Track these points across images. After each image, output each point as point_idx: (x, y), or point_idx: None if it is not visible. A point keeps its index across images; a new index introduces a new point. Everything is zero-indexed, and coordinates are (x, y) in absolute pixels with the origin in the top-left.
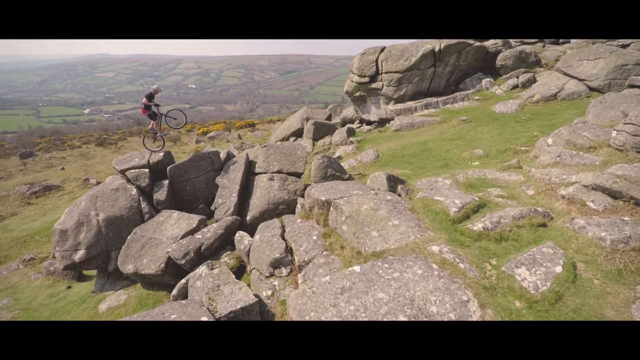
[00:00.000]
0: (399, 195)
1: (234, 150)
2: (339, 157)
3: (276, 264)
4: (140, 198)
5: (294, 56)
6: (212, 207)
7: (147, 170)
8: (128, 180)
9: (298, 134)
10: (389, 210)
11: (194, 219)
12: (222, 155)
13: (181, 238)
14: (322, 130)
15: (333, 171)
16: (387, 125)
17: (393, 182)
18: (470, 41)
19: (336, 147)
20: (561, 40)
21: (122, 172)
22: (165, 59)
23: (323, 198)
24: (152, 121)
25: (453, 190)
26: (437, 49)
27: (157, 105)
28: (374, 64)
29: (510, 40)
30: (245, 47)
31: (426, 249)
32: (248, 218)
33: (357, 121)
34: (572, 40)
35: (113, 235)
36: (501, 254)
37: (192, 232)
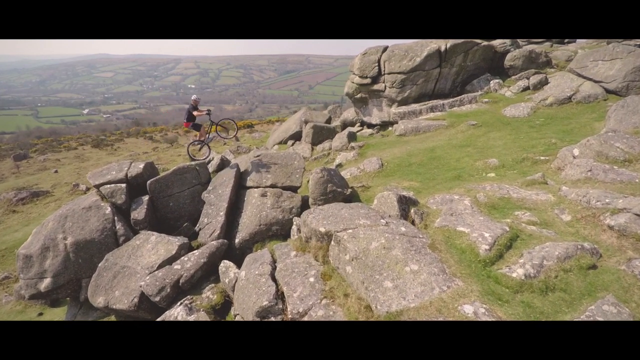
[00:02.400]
0: (413, 221)
1: (229, 155)
2: (340, 165)
3: (264, 314)
4: (115, 218)
5: (293, 56)
6: (197, 228)
7: (124, 185)
8: (103, 197)
9: (296, 137)
10: (405, 250)
11: (173, 244)
12: (216, 161)
13: (158, 268)
14: (322, 134)
15: (334, 186)
16: (390, 128)
17: (404, 205)
18: (478, 40)
19: (336, 153)
20: (566, 40)
21: (97, 187)
22: (164, 59)
23: (322, 229)
24: (196, 132)
25: (477, 216)
26: (442, 48)
27: (209, 113)
28: (376, 64)
29: (518, 40)
30: (244, 47)
31: (457, 310)
32: (237, 240)
33: (358, 124)
34: (578, 40)
35: (83, 261)
36: (550, 314)
37: (170, 260)
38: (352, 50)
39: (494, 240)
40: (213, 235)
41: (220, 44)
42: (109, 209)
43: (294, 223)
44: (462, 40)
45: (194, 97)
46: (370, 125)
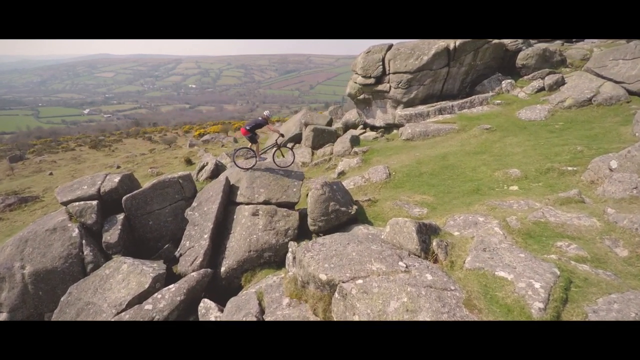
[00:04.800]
0: (436, 258)
1: (224, 159)
2: (342, 173)
3: None
4: (83, 241)
5: (293, 56)
6: (177, 253)
7: (95, 202)
8: (71, 216)
9: (296, 139)
10: (436, 313)
11: (147, 276)
12: (210, 166)
13: (126, 307)
14: (323, 137)
15: (336, 205)
16: (395, 131)
17: (425, 235)
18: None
19: (338, 159)
20: (573, 40)
21: (65, 204)
22: (165, 59)
23: (323, 277)
24: (252, 143)
25: (515, 252)
26: (451, 46)
27: (282, 135)
28: (380, 63)
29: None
30: (245, 46)
31: None
32: (223, 269)
33: (361, 126)
34: (586, 40)
35: (44, 294)
36: None
37: (142, 296)
38: (354, 49)
39: (548, 293)
40: (195, 264)
41: (220, 44)
42: (77, 231)
43: (290, 249)
44: None
45: (266, 112)
46: (373, 128)
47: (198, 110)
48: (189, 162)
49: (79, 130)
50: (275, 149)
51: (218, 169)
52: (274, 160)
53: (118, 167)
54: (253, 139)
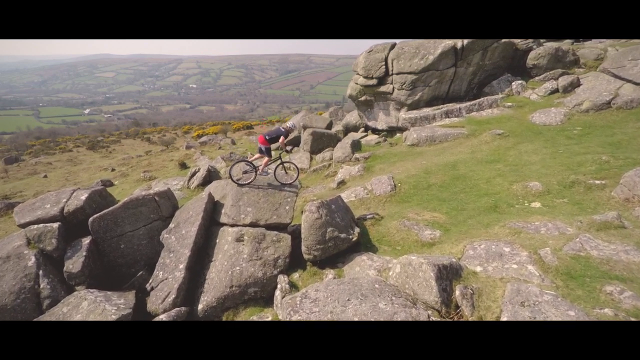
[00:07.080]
0: (460, 312)
1: (219, 163)
2: (342, 182)
3: None
4: (41, 272)
5: (294, 55)
6: (148, 286)
7: (56, 225)
8: (29, 242)
9: (295, 142)
10: None
11: (108, 318)
12: (202, 172)
13: None
14: (322, 141)
15: (335, 231)
16: (398, 135)
17: (445, 281)
18: None
19: (338, 165)
20: (581, 39)
21: (23, 226)
22: (166, 59)
23: None
24: (264, 156)
25: (562, 307)
26: (459, 45)
27: (287, 151)
28: (383, 63)
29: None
30: (246, 46)
31: None
32: (201, 307)
33: (362, 129)
34: (593, 40)
35: None
36: None
37: None
38: (355, 49)
39: None
40: (167, 301)
41: (221, 43)
42: (33, 259)
43: (279, 285)
44: None
45: (289, 123)
46: (375, 131)
47: (199, 110)
48: (183, 165)
49: (79, 131)
50: (278, 163)
51: (210, 176)
52: (275, 176)
53: (113, 169)
54: (268, 151)
